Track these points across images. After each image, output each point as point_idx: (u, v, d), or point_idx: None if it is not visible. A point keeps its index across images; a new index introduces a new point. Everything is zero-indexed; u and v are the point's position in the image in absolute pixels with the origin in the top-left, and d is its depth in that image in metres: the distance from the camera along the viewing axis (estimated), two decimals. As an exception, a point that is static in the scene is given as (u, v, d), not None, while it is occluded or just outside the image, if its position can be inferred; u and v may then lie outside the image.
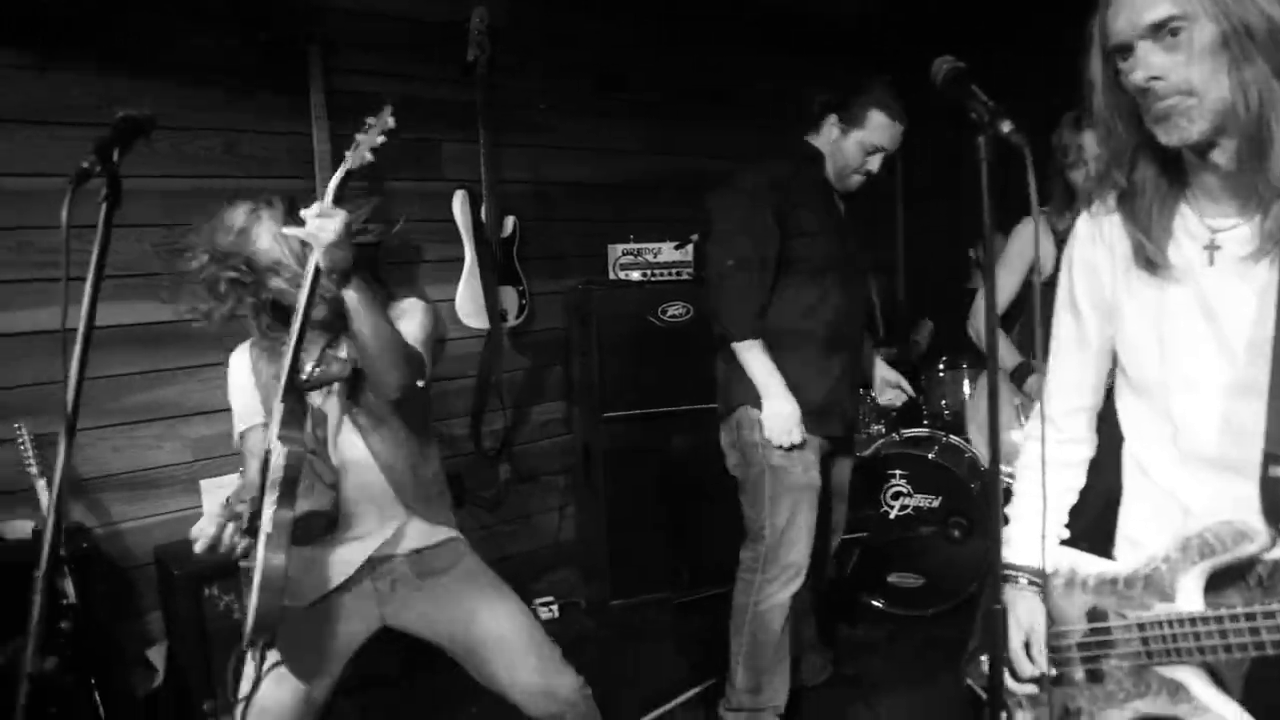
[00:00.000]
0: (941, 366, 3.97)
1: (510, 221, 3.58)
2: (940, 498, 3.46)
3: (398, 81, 3.38)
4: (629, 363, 3.63)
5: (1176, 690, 1.36)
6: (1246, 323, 1.27)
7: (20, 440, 2.66)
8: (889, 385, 3.02)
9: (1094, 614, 1.43)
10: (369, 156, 1.83)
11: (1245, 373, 1.28)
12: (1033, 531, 1.48)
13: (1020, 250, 2.96)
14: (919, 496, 3.48)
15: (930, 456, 3.48)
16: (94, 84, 2.82)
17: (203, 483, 3.04)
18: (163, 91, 2.91)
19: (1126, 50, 1.23)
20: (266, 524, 1.73)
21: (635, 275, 3.72)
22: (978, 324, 3.13)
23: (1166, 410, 1.38)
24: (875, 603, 3.57)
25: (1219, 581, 1.34)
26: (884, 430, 3.73)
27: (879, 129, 2.59)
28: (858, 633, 3.48)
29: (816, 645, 3.15)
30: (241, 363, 2.15)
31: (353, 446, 2.06)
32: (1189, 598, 1.33)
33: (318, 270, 1.80)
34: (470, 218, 3.46)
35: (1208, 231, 1.29)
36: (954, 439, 3.60)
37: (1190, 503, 1.37)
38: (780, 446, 2.58)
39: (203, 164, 3.03)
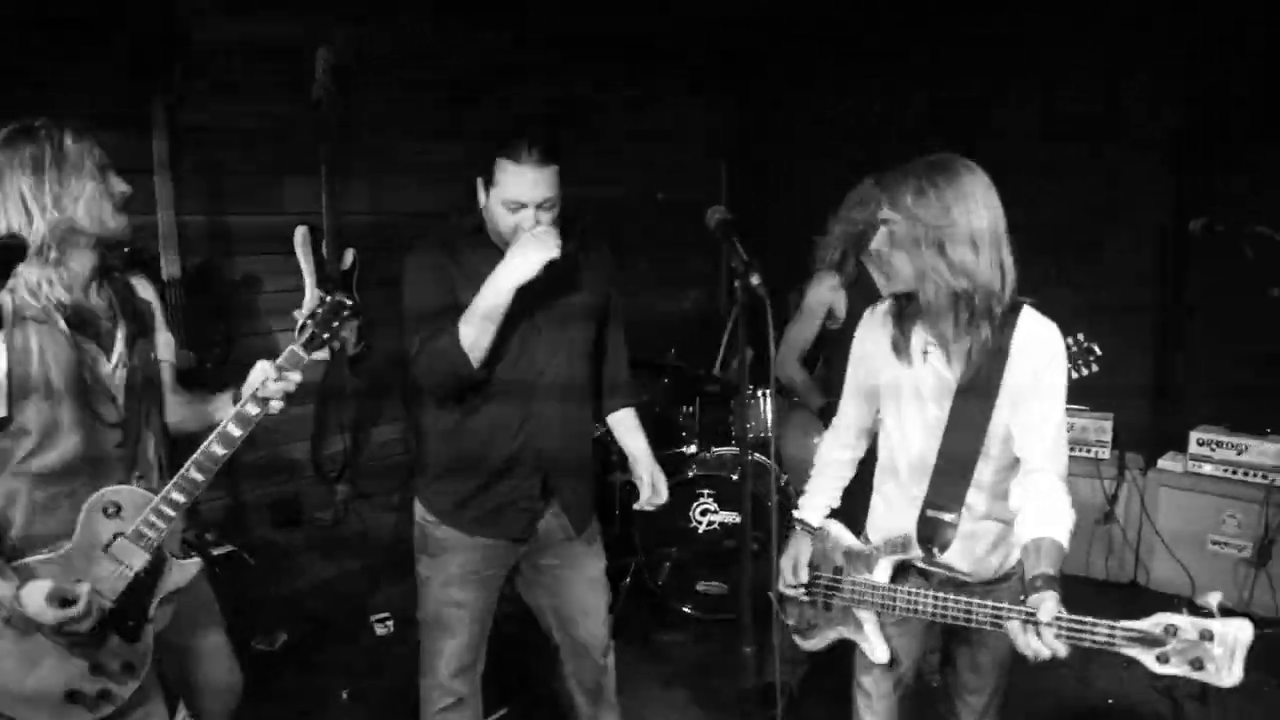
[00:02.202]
0: (751, 390, 4.38)
1: (349, 254, 3.77)
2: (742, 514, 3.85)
3: (242, 117, 3.51)
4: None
5: (859, 625, 2.14)
6: (933, 411, 2.00)
7: None
8: (652, 490, 2.53)
9: (836, 570, 2.19)
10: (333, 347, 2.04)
11: (927, 444, 2.00)
12: (816, 502, 2.26)
13: (815, 300, 3.22)
14: (724, 513, 3.87)
15: (734, 477, 3.87)
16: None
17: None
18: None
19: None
20: None
21: (471, 306, 3.97)
22: (779, 372, 3.38)
23: (891, 449, 2.10)
24: (685, 609, 3.95)
25: (902, 569, 2.11)
26: (696, 449, 4.10)
27: (507, 179, 2.16)
28: (665, 637, 3.86)
29: None
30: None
31: None
32: (881, 574, 2.10)
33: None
34: (311, 251, 3.63)
35: (924, 342, 2.00)
36: (759, 458, 3.99)
37: (900, 513, 2.08)
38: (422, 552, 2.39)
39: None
